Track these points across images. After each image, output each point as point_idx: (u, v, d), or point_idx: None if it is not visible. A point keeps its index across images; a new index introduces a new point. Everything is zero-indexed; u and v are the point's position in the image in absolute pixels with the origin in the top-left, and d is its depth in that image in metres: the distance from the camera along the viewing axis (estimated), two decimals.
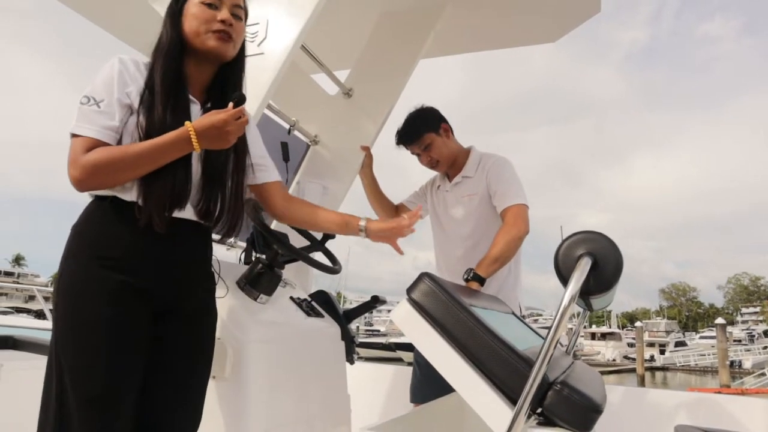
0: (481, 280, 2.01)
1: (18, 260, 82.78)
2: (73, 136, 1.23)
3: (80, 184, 1.22)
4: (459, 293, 1.38)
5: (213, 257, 1.49)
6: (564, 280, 1.24)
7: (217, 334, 1.58)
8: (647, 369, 29.64)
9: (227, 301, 1.63)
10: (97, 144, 1.22)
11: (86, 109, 1.24)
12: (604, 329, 48.84)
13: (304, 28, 1.67)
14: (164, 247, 1.30)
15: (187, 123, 1.25)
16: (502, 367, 1.21)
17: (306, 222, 1.64)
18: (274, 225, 2.25)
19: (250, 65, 1.71)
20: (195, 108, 1.38)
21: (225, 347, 1.56)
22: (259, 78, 1.68)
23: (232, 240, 2.27)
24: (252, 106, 1.66)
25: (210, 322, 1.44)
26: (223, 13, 1.37)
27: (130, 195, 1.27)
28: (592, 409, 1.11)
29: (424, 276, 1.36)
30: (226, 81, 1.45)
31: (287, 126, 2.36)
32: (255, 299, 1.73)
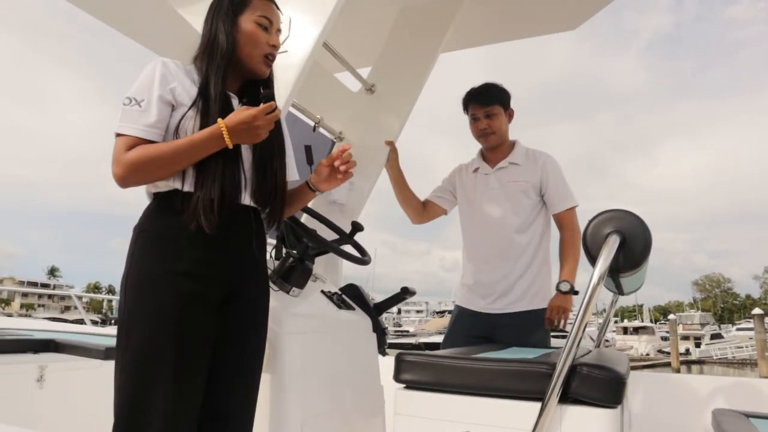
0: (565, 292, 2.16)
1: (53, 272, 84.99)
2: (117, 135, 1.30)
3: (122, 181, 1.29)
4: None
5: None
6: (593, 258, 1.25)
7: None
8: (683, 363, 29.03)
9: None
10: (138, 142, 1.29)
11: (128, 109, 1.31)
12: (637, 323, 47.96)
13: (326, 26, 1.70)
14: (223, 234, 1.34)
15: (219, 120, 1.31)
16: (517, 380, 1.24)
17: (290, 207, 1.65)
18: (304, 219, 2.29)
19: (276, 63, 1.76)
20: (234, 103, 1.45)
21: None
22: (283, 76, 1.71)
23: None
24: (278, 103, 1.69)
25: (266, 308, 1.50)
26: (273, 38, 1.47)
27: (189, 187, 1.34)
28: (616, 382, 1.12)
29: (400, 355, 1.42)
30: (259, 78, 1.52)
31: (312, 123, 2.40)
32: (287, 292, 1.77)
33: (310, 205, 2.45)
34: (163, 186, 1.34)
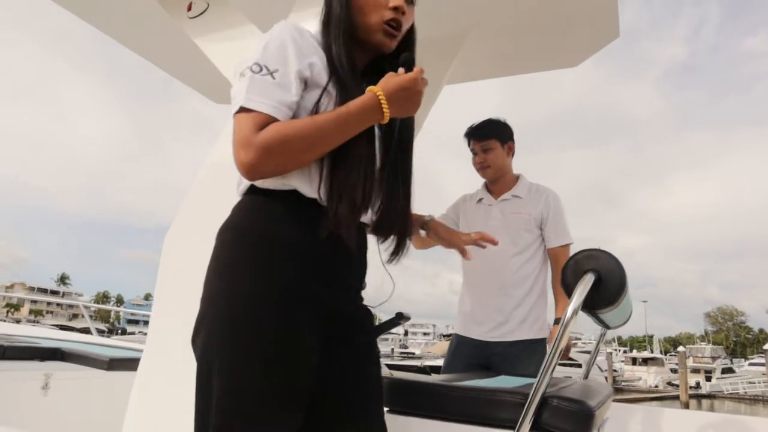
0: None
1: (63, 279, 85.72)
2: (242, 110, 1.02)
3: (253, 170, 1.02)
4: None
5: None
6: (569, 295, 1.32)
7: None
8: (692, 396, 28.56)
9: None
10: (269, 121, 1.02)
11: (258, 79, 1.03)
12: (646, 354, 47.33)
13: None
14: (337, 249, 1.09)
15: (371, 88, 1.06)
16: (488, 408, 1.30)
17: None
18: None
19: None
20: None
21: None
22: None
23: None
24: None
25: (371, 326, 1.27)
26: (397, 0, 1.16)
27: (310, 190, 1.07)
28: (585, 414, 1.18)
29: (388, 382, 1.50)
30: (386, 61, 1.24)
31: None
32: None
33: None
34: (280, 183, 1.08)
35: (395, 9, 1.16)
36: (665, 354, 58.23)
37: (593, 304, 1.31)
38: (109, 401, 2.60)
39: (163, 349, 1.81)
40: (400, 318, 2.34)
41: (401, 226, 1.23)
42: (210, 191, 1.89)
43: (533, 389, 1.19)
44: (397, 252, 1.26)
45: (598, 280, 1.29)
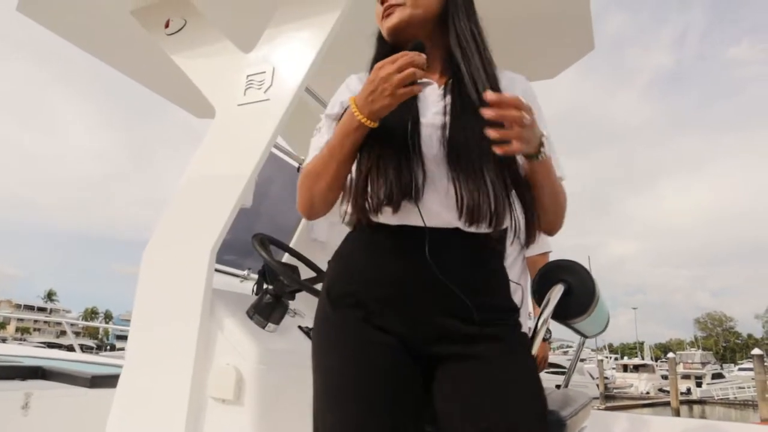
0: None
1: (50, 296, 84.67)
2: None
3: (300, 210, 1.18)
4: None
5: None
6: (540, 298, 1.34)
7: (226, 359, 1.71)
8: (683, 402, 28.62)
9: (236, 328, 1.75)
10: None
11: (312, 140, 1.21)
12: (637, 361, 47.46)
13: (306, 76, 1.81)
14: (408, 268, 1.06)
15: (350, 98, 1.04)
16: None
17: None
18: (286, 258, 2.38)
19: (258, 111, 1.87)
20: (431, 89, 1.14)
21: (232, 371, 1.67)
22: (265, 122, 1.83)
23: (245, 272, 2.41)
24: (259, 148, 1.80)
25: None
26: None
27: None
28: (555, 424, 1.19)
29: None
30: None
31: (296, 164, 2.50)
32: (263, 327, 1.84)
33: (292, 243, 2.55)
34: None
35: (381, 2, 1.17)
36: (656, 360, 58.34)
37: (565, 314, 1.33)
38: (91, 419, 2.57)
39: (142, 365, 1.81)
40: None
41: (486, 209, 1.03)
42: (187, 205, 1.90)
43: None
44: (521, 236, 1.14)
45: (568, 290, 1.31)
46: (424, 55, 0.96)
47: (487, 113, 0.92)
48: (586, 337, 1.92)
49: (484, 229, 1.05)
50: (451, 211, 1.04)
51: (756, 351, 22.69)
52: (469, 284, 1.05)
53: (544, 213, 1.11)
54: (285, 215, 2.64)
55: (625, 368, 41.76)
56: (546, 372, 2.37)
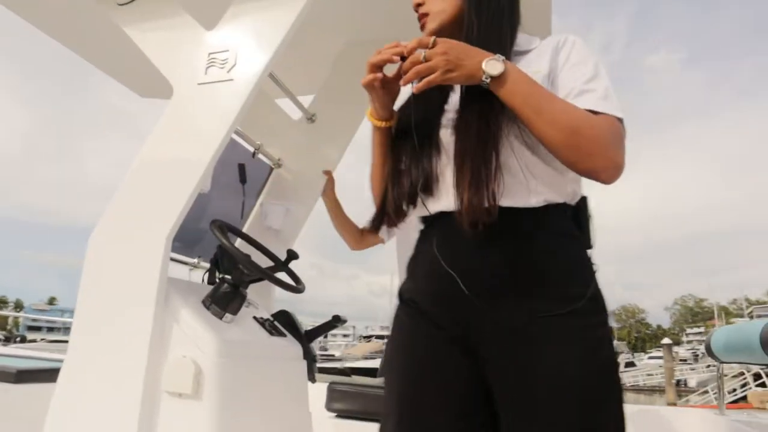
0: None
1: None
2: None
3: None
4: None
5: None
6: None
7: (182, 351, 1.62)
8: None
9: (193, 319, 1.67)
10: None
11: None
12: None
13: (273, 57, 1.74)
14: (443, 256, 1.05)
15: None
16: None
17: None
18: (238, 244, 2.29)
19: (220, 91, 1.78)
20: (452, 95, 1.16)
21: (189, 364, 1.58)
22: (228, 104, 1.74)
23: (195, 261, 2.31)
24: (220, 131, 1.71)
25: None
26: None
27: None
28: None
29: (332, 385, 1.47)
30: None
31: (252, 149, 2.41)
32: (220, 318, 1.76)
33: (245, 229, 2.46)
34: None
35: (416, 5, 1.21)
36: None
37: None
38: (19, 417, 2.39)
39: (87, 358, 1.69)
40: (337, 321, 2.32)
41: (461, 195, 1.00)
42: (141, 189, 1.79)
43: None
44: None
45: None
46: (402, 52, 1.03)
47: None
48: None
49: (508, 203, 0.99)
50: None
51: (666, 340, 24.32)
52: (500, 271, 0.99)
53: (549, 145, 0.97)
54: (234, 201, 2.54)
55: None
56: None
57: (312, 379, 2.14)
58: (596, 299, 0.97)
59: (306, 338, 2.17)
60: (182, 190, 1.71)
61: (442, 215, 1.07)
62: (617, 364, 0.98)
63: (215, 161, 1.74)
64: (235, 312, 1.81)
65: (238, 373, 1.69)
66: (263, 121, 2.51)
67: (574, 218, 1.04)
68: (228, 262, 2.01)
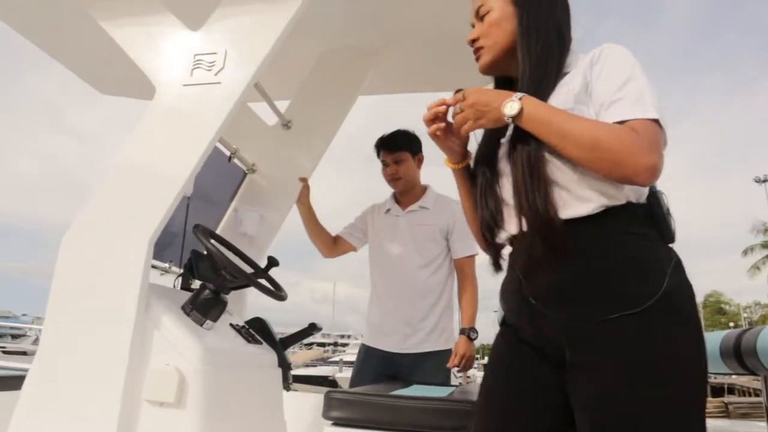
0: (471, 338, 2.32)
1: None
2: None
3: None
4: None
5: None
6: None
7: (165, 359, 1.58)
8: None
9: (175, 326, 1.62)
10: None
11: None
12: (486, 361, 50.73)
13: (263, 63, 1.72)
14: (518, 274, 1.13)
15: None
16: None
17: None
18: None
19: (206, 94, 1.75)
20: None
21: (173, 372, 1.54)
22: (215, 107, 1.71)
23: (166, 265, 2.24)
24: (207, 134, 1.68)
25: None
26: (473, 33, 1.28)
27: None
28: None
29: (329, 393, 1.50)
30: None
31: (228, 153, 2.38)
32: (201, 325, 1.72)
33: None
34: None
35: (472, 41, 1.28)
36: None
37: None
38: None
39: (58, 365, 1.61)
40: (312, 329, 2.30)
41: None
42: (121, 191, 1.73)
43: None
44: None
45: None
46: (452, 102, 1.18)
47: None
48: None
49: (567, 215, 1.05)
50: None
51: None
52: (562, 283, 1.04)
53: (579, 164, 1.03)
54: (206, 205, 2.49)
55: (485, 367, 44.38)
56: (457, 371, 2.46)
57: (287, 387, 2.12)
58: (669, 296, 0.95)
59: (281, 346, 2.15)
60: (166, 193, 1.66)
61: (517, 237, 1.14)
62: (693, 362, 0.95)
63: (201, 165, 1.71)
64: (215, 319, 1.77)
65: (220, 381, 1.65)
66: (237, 124, 2.47)
67: (645, 216, 1.05)
68: (205, 268, 1.97)
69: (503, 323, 1.19)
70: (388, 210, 2.58)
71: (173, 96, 1.78)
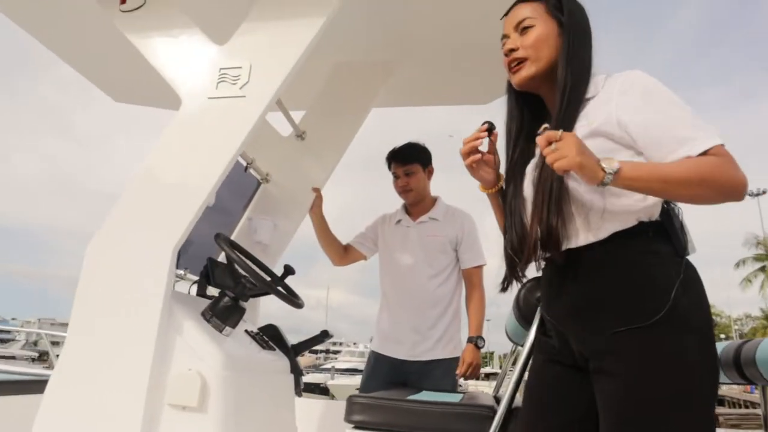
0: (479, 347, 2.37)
1: None
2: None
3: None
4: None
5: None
6: (526, 321, 1.44)
7: (187, 364, 1.62)
8: None
9: (197, 332, 1.67)
10: None
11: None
12: (488, 369, 50.65)
13: (287, 78, 1.78)
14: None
15: None
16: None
17: None
18: (222, 258, 2.28)
19: (231, 107, 1.81)
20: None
21: (195, 377, 1.58)
22: (240, 121, 1.77)
23: (182, 272, 2.29)
24: (232, 147, 1.74)
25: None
26: (507, 44, 1.30)
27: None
28: None
29: (351, 398, 1.56)
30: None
31: (244, 163, 2.43)
32: (220, 331, 1.77)
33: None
34: None
35: (509, 50, 1.28)
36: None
37: (544, 330, 1.44)
38: None
39: (81, 370, 1.65)
40: (324, 336, 2.35)
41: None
42: (146, 200, 1.78)
43: (503, 402, 1.28)
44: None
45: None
46: (484, 134, 1.28)
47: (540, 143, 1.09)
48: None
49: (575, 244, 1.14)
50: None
51: None
52: (584, 298, 1.13)
53: (693, 203, 1.09)
54: (220, 213, 2.54)
55: (477, 377, 44.31)
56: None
57: (299, 393, 2.16)
58: (677, 310, 1.03)
59: (293, 352, 2.19)
60: (191, 202, 1.71)
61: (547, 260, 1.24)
62: (702, 369, 1.02)
63: (224, 176, 1.76)
64: (234, 325, 1.81)
65: (240, 386, 1.70)
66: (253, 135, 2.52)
67: (657, 233, 1.11)
68: (222, 275, 2.01)
69: (543, 338, 1.29)
70: (399, 221, 2.63)
71: (199, 108, 1.83)
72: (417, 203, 2.61)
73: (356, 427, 1.42)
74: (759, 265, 34.39)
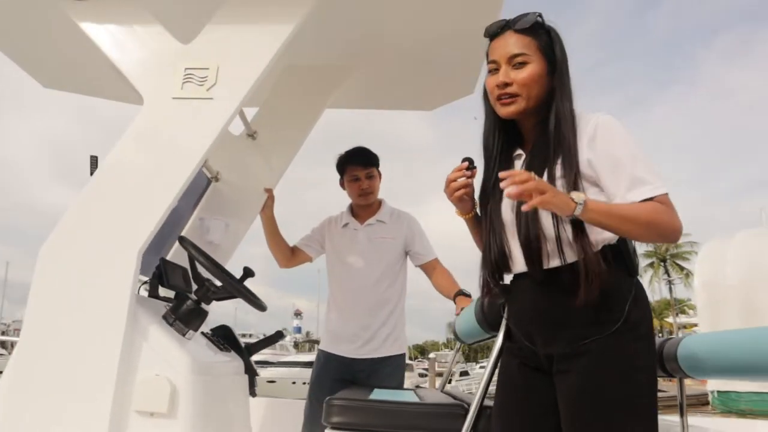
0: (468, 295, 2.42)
1: None
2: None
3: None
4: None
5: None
6: (488, 324, 1.56)
7: (154, 369, 1.60)
8: None
9: (162, 337, 1.64)
10: None
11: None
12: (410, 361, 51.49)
13: (256, 82, 1.78)
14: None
15: None
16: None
17: None
18: (176, 256, 2.24)
19: (198, 109, 1.78)
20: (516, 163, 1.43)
21: (164, 383, 1.56)
22: (208, 123, 1.75)
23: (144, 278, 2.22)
24: (200, 149, 1.72)
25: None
26: (499, 77, 1.34)
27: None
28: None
29: (330, 400, 1.62)
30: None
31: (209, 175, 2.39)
32: (183, 335, 1.75)
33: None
34: None
35: (502, 84, 1.32)
36: (414, 359, 64.06)
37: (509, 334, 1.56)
38: None
39: (34, 376, 1.58)
40: (279, 336, 2.38)
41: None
42: (106, 200, 1.72)
43: (475, 401, 1.39)
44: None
45: None
46: (467, 172, 1.38)
47: (502, 185, 1.18)
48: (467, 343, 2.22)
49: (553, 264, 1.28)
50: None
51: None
52: (552, 313, 1.29)
53: (636, 240, 1.30)
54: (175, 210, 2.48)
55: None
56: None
57: (253, 393, 2.17)
58: (629, 320, 1.22)
59: (246, 353, 2.19)
60: (156, 206, 1.68)
61: (515, 277, 1.38)
62: (647, 368, 1.22)
63: (192, 178, 1.74)
64: (196, 329, 1.81)
65: (207, 390, 1.69)
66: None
67: (615, 255, 1.27)
68: (177, 277, 1.99)
69: (508, 343, 1.41)
70: (346, 224, 2.67)
71: (163, 108, 1.80)
72: (368, 206, 2.67)
73: (334, 428, 1.47)
74: (648, 261, 37.25)
